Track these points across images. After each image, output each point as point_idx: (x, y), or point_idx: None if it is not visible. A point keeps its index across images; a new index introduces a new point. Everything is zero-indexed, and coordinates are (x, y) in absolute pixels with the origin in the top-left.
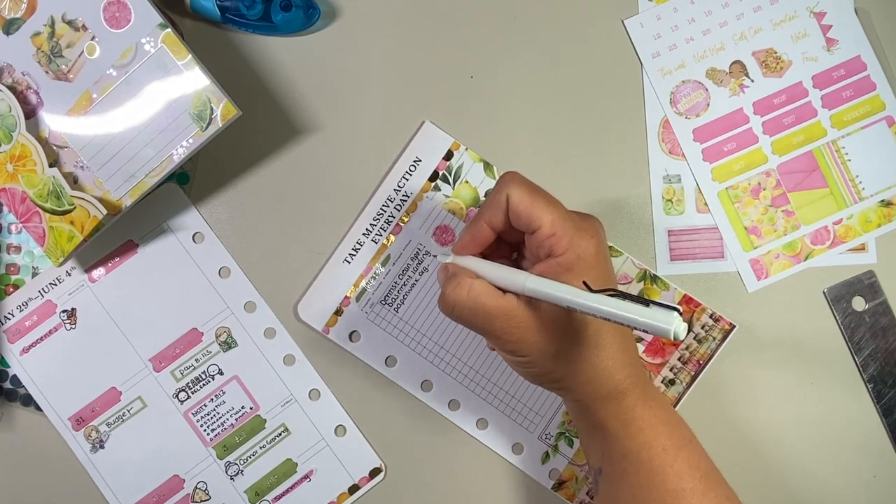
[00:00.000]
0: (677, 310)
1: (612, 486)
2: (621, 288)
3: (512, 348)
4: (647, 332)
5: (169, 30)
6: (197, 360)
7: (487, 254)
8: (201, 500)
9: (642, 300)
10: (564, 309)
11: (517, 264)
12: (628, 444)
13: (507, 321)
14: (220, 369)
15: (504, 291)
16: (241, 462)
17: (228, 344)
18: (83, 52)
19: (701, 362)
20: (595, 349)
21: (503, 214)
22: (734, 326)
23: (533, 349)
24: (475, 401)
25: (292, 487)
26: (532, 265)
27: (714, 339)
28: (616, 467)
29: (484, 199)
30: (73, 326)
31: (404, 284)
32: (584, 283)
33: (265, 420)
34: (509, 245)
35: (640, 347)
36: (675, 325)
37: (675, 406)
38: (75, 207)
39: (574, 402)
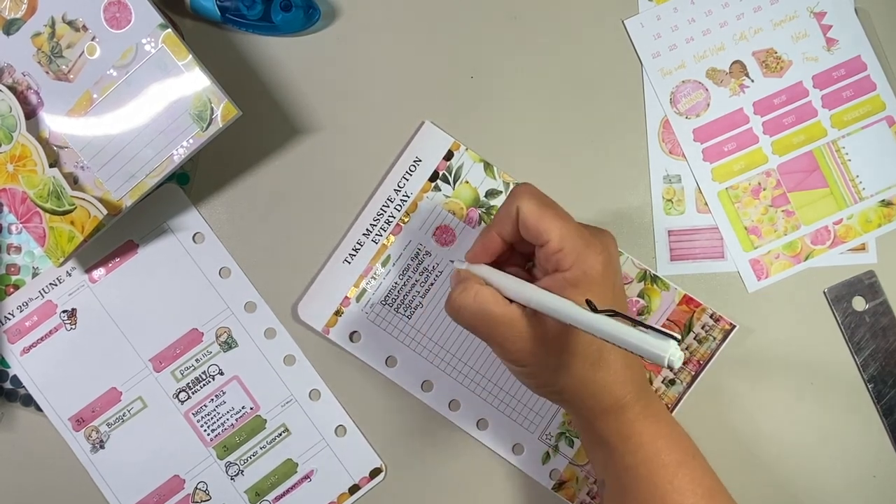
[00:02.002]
0: (676, 338)
1: (613, 500)
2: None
3: (514, 357)
4: (642, 357)
5: (169, 30)
6: (197, 361)
7: (502, 262)
8: (202, 501)
9: (642, 325)
10: (566, 324)
11: (531, 274)
12: (628, 460)
13: (510, 329)
14: (220, 369)
15: (511, 301)
16: (242, 462)
17: (228, 344)
18: (83, 52)
19: (701, 362)
20: (597, 365)
21: (513, 226)
22: (734, 326)
23: (534, 360)
24: (475, 401)
25: (292, 487)
26: (542, 277)
27: (714, 339)
28: (617, 482)
29: (484, 199)
30: (74, 327)
31: (404, 285)
32: (588, 301)
33: (265, 420)
34: (523, 255)
35: None
36: (671, 352)
37: (675, 406)
38: (75, 208)
39: (576, 414)
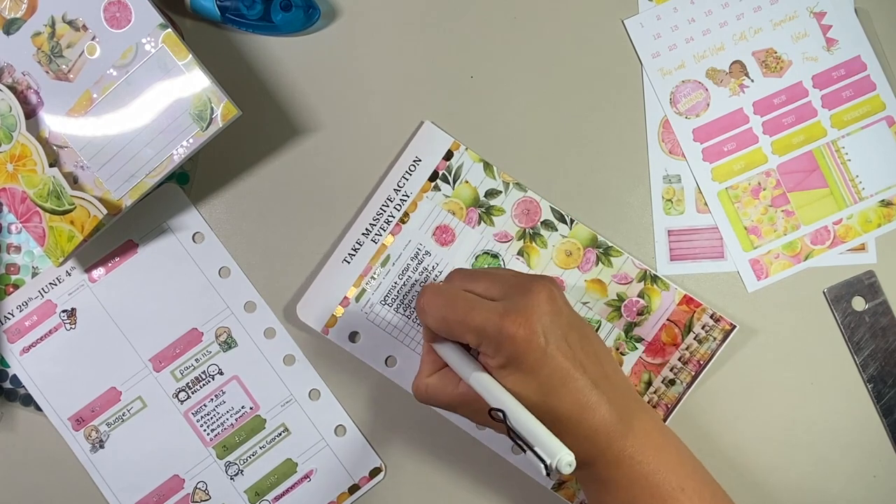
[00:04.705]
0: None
1: None
2: (622, 287)
3: (483, 425)
4: (536, 455)
5: (169, 30)
6: (197, 360)
7: None
8: (201, 500)
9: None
10: None
11: None
12: (606, 498)
13: (466, 408)
14: (220, 369)
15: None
16: (241, 462)
17: (228, 344)
18: (83, 52)
19: (701, 362)
20: (554, 427)
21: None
22: (734, 327)
23: (498, 427)
24: None
25: (292, 487)
26: None
27: (714, 339)
28: None
29: (484, 199)
30: (73, 326)
31: (404, 284)
32: (492, 411)
33: (265, 420)
34: None
35: (641, 348)
36: (561, 455)
37: (674, 406)
38: (75, 207)
39: None
